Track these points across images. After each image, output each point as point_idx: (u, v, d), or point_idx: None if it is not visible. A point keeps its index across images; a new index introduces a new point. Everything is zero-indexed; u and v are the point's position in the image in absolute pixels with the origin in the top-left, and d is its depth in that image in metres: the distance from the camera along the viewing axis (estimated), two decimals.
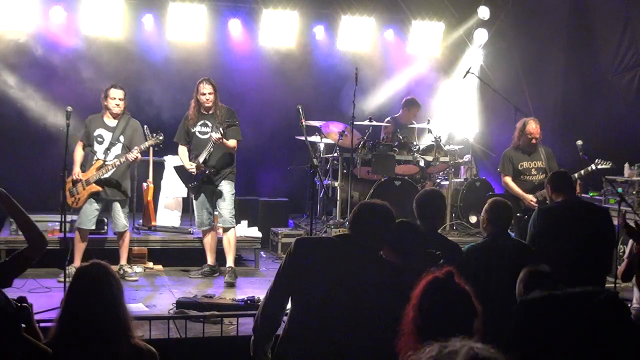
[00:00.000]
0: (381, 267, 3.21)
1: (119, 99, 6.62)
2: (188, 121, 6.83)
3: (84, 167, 6.62)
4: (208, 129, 6.74)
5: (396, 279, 3.08)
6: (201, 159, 6.65)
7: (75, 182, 6.57)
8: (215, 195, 6.85)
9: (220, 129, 6.50)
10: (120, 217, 6.71)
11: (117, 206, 6.69)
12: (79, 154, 6.68)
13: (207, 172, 6.67)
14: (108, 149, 6.61)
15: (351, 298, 3.06)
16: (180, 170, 6.98)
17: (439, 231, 4.52)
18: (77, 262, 6.50)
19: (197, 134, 6.80)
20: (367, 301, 3.06)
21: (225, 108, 6.83)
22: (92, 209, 6.61)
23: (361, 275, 3.10)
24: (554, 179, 5.24)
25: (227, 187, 6.82)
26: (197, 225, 7.07)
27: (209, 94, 6.69)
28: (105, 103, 6.63)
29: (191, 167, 6.68)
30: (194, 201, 7.00)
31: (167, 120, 8.50)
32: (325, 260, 3.15)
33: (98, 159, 6.55)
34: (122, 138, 6.65)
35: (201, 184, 6.79)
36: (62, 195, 6.38)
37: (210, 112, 6.78)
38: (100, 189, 6.54)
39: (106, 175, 6.54)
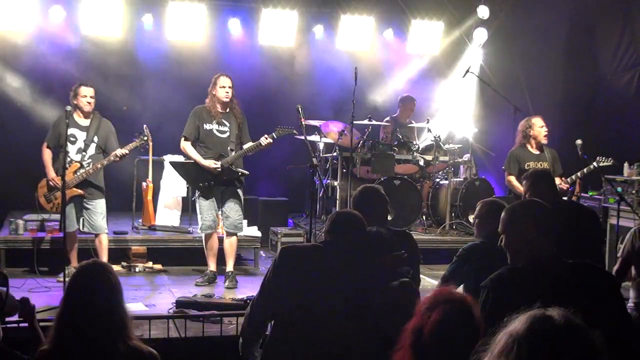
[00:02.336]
0: (366, 268, 3.30)
1: (90, 97, 6.43)
2: (202, 117, 6.57)
3: (55, 169, 6.39)
4: (226, 128, 6.57)
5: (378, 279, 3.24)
6: (230, 161, 6.48)
7: (51, 188, 6.37)
8: (224, 198, 6.65)
9: (274, 134, 6.40)
10: (98, 218, 6.49)
11: (94, 205, 6.48)
12: (47, 156, 6.44)
13: (240, 174, 6.51)
14: (84, 150, 6.41)
15: (339, 301, 3.12)
16: (185, 168, 6.76)
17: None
18: (74, 263, 6.45)
19: (215, 132, 6.56)
20: (356, 302, 3.13)
21: (238, 109, 6.69)
22: (72, 211, 6.42)
23: (348, 278, 3.18)
24: (541, 180, 5.07)
25: (240, 192, 6.68)
26: (201, 229, 6.70)
27: (229, 87, 6.55)
28: (76, 102, 6.41)
29: (215, 165, 6.45)
30: (202, 202, 6.64)
31: (166, 120, 8.50)
32: (311, 268, 3.21)
33: (74, 162, 6.34)
34: (96, 138, 6.46)
35: (214, 185, 6.57)
36: (62, 195, 6.36)
37: (227, 109, 6.61)
38: (82, 192, 6.37)
39: (84, 179, 6.37)
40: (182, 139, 6.64)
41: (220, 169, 6.48)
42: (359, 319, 3.11)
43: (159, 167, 8.23)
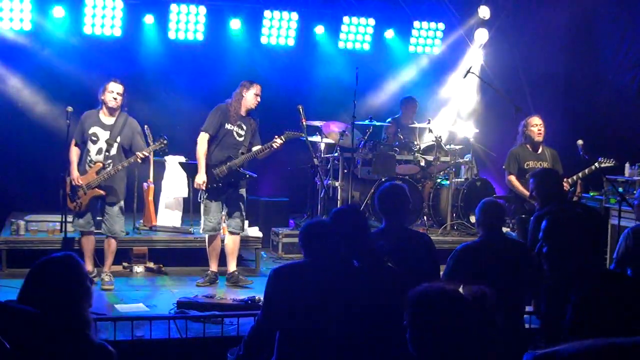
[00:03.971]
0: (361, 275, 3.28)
1: (117, 93, 6.32)
2: (228, 115, 6.55)
3: (78, 167, 6.35)
4: (243, 132, 6.58)
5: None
6: (238, 163, 6.49)
7: (73, 188, 6.29)
8: (228, 198, 6.65)
9: (283, 136, 6.46)
10: (115, 221, 6.44)
11: (113, 209, 6.43)
12: (74, 153, 6.37)
13: (247, 176, 6.54)
14: (107, 150, 6.33)
15: (342, 313, 3.12)
16: (194, 169, 6.68)
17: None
18: (89, 265, 6.38)
19: (235, 134, 6.57)
20: (358, 310, 3.13)
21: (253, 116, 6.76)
22: (89, 213, 6.41)
23: (345, 289, 3.17)
24: (545, 181, 5.13)
25: (244, 193, 6.72)
26: (207, 230, 6.64)
27: (259, 97, 6.62)
28: (103, 97, 6.33)
29: (200, 181, 6.46)
30: (211, 203, 6.59)
31: (167, 120, 8.50)
32: (306, 286, 3.19)
33: (96, 162, 6.28)
34: (119, 139, 6.36)
35: (222, 187, 6.56)
36: (62, 195, 6.35)
37: (247, 114, 6.64)
38: (103, 193, 6.31)
39: (107, 180, 6.30)
40: (202, 132, 6.57)
41: (208, 186, 6.49)
42: (369, 324, 3.09)
43: (160, 168, 8.22)
